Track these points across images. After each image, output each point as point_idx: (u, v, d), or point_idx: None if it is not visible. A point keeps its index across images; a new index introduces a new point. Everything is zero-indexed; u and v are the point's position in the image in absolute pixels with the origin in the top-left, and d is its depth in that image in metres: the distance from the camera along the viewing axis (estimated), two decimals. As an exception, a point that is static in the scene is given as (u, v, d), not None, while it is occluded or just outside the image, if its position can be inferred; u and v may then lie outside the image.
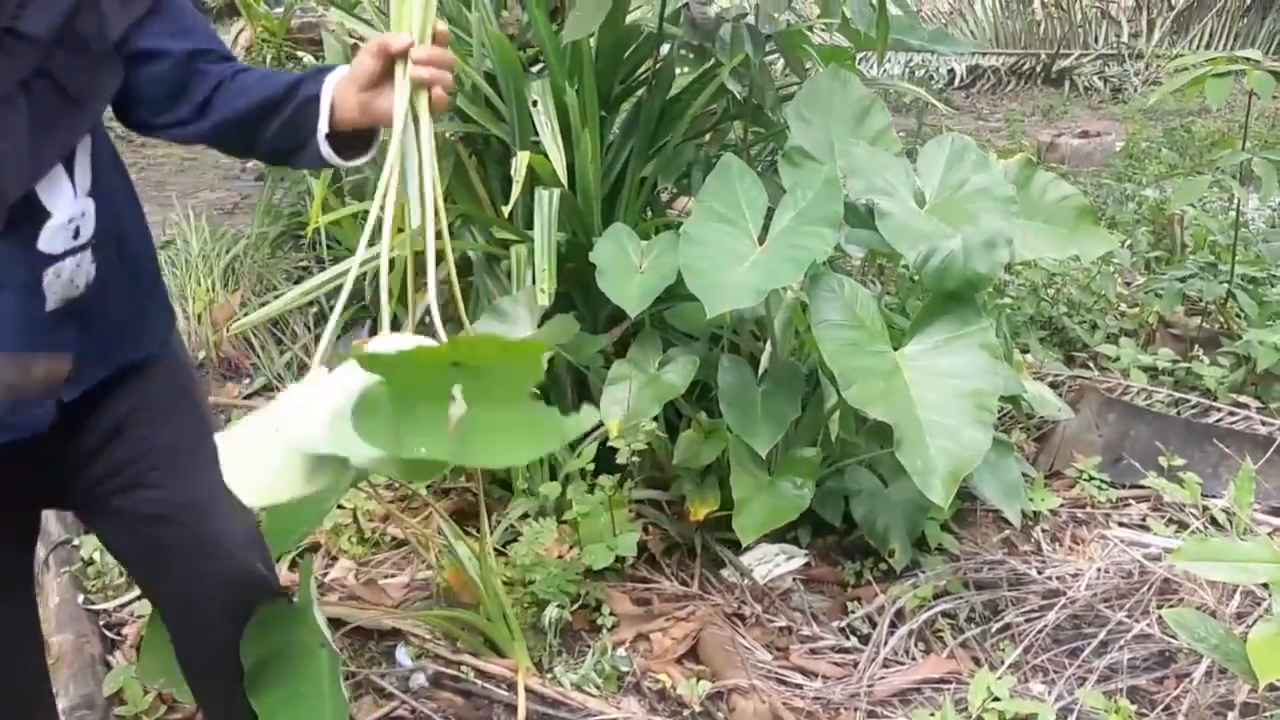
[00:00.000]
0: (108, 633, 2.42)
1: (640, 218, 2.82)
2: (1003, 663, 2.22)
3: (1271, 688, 1.99)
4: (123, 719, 2.14)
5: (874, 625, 2.40)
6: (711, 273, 2.22)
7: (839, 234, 2.28)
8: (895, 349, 2.28)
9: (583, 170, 2.58)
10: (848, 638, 2.39)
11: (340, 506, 2.64)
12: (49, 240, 1.31)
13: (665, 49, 2.75)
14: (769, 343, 2.59)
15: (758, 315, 2.65)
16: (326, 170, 2.78)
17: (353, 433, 1.08)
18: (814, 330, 2.26)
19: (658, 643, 2.33)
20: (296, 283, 3.64)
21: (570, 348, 2.52)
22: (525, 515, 2.59)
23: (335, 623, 2.29)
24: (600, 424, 2.48)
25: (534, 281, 2.43)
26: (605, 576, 2.48)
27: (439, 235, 1.27)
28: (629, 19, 2.81)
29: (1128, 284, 4.28)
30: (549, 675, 2.21)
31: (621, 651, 2.27)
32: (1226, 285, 3.65)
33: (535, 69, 2.84)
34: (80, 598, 2.50)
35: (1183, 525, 2.67)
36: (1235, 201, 3.95)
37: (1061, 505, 2.78)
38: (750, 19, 2.59)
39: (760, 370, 2.56)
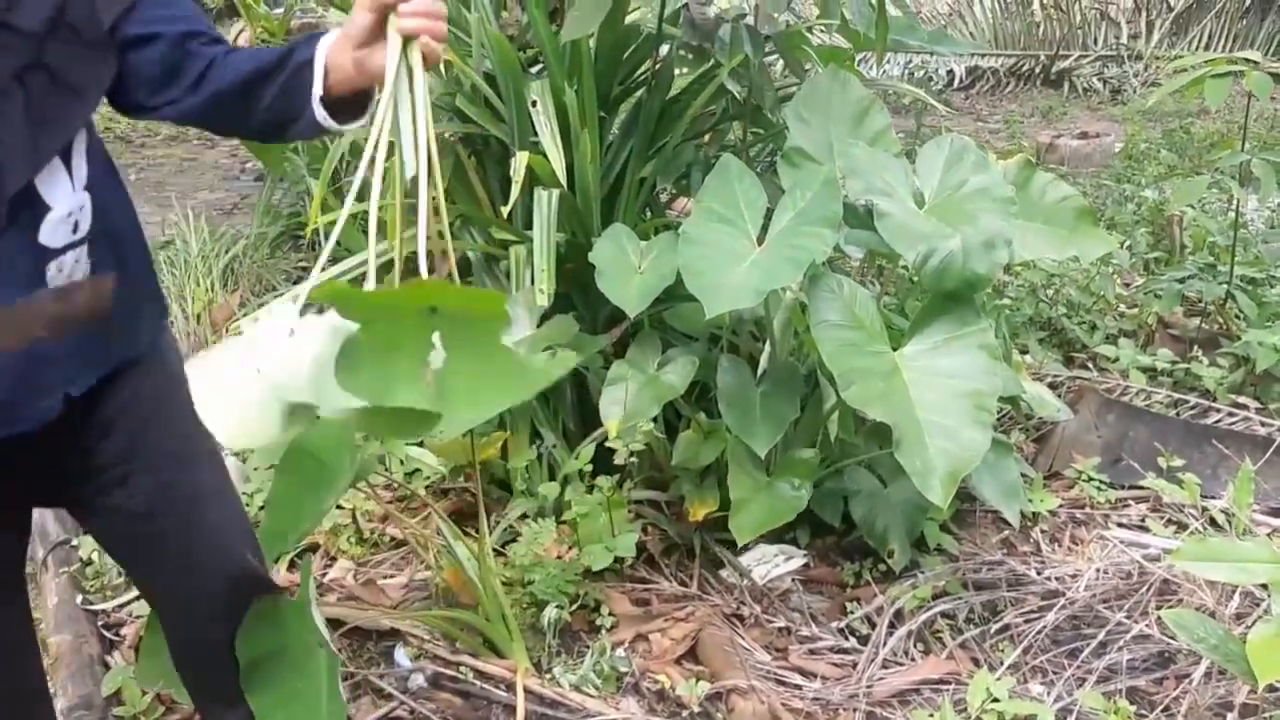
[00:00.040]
0: (106, 633, 2.42)
1: (639, 218, 2.82)
2: (1002, 663, 2.22)
3: (1271, 688, 1.98)
4: (121, 719, 2.14)
5: (873, 626, 2.39)
6: (710, 273, 2.22)
7: (838, 234, 2.28)
8: (894, 349, 2.28)
9: (582, 171, 2.58)
10: (847, 638, 2.39)
11: (339, 507, 2.64)
12: (50, 234, 1.32)
13: (664, 49, 2.75)
14: (768, 343, 2.59)
15: (757, 316, 2.65)
16: (326, 170, 2.78)
17: (334, 382, 1.09)
18: (813, 331, 2.26)
19: (656, 643, 2.33)
20: (295, 283, 3.64)
21: (569, 348, 2.52)
22: (524, 516, 2.59)
23: (334, 623, 2.29)
24: (600, 424, 2.49)
25: (533, 282, 2.43)
26: (604, 577, 2.48)
27: (435, 206, 1.26)
28: (628, 19, 2.81)
29: (1127, 285, 4.28)
30: (548, 676, 2.21)
31: (620, 652, 2.27)
32: (1225, 286, 3.65)
33: (534, 69, 2.84)
34: (79, 598, 2.50)
35: (1182, 526, 2.67)
36: (1234, 202, 3.95)
37: (1061, 506, 2.78)
38: (749, 20, 2.59)
39: (759, 371, 2.56)
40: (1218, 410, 3.20)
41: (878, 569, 2.55)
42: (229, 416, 1.19)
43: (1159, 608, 2.21)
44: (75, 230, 1.34)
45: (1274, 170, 3.37)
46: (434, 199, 1.28)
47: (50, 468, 1.47)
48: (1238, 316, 3.65)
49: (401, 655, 2.28)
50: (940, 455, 2.10)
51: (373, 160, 1.24)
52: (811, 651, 2.35)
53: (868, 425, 2.63)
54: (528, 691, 2.13)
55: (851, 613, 2.45)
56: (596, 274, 2.39)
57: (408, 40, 1.27)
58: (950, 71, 9.63)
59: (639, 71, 2.89)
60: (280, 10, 5.08)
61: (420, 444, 2.66)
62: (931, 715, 2.03)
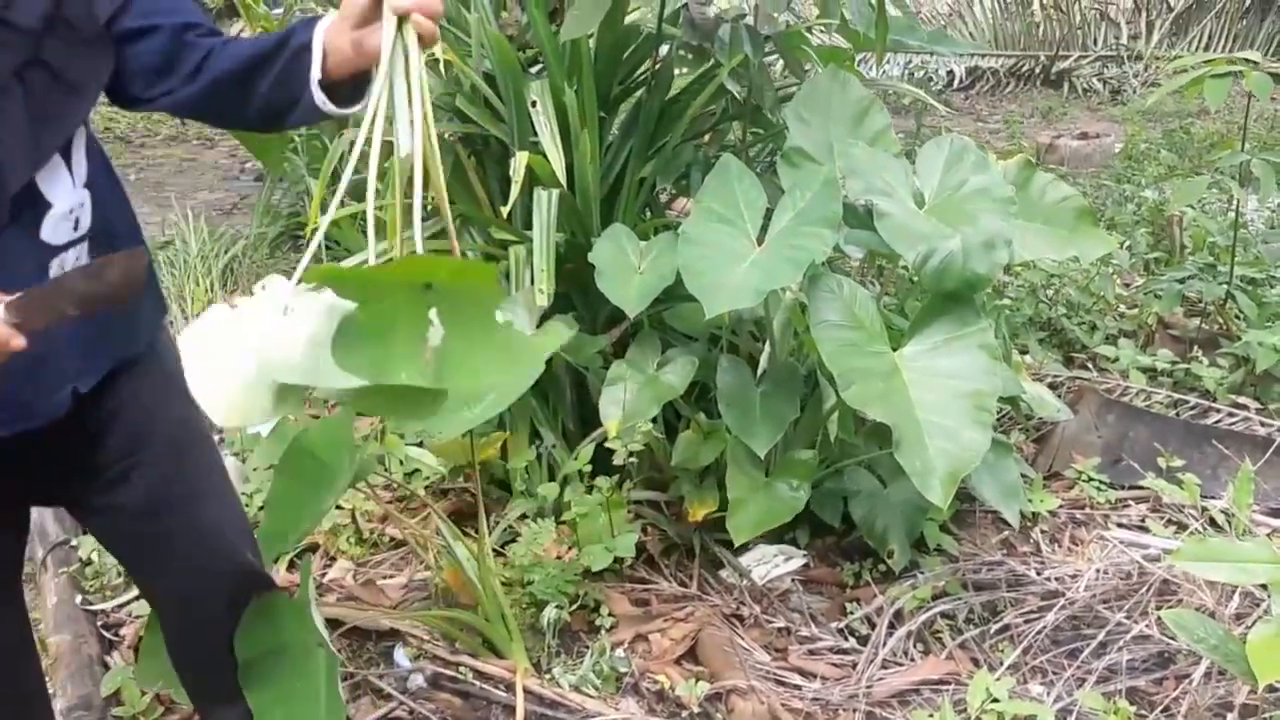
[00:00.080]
0: (105, 633, 2.42)
1: (639, 218, 2.82)
2: (1001, 664, 2.22)
3: (1270, 689, 1.98)
4: (120, 719, 2.14)
5: (873, 626, 2.39)
6: (710, 273, 2.22)
7: (838, 235, 2.28)
8: (894, 350, 2.28)
9: (581, 171, 2.58)
10: (846, 639, 2.39)
11: (339, 507, 2.64)
12: (51, 231, 1.32)
13: (664, 49, 2.75)
14: (768, 343, 2.59)
15: (756, 316, 2.65)
16: (326, 170, 2.78)
17: (331, 362, 1.09)
18: (813, 331, 2.26)
19: (656, 643, 2.33)
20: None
21: (569, 348, 2.52)
22: (524, 516, 2.59)
23: (333, 623, 2.29)
24: (599, 424, 2.49)
25: (532, 282, 2.43)
26: (604, 577, 2.48)
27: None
28: (628, 19, 2.81)
29: (1127, 285, 4.28)
30: (547, 676, 2.21)
31: (620, 652, 2.27)
32: (1225, 286, 3.65)
33: (534, 70, 2.84)
34: (78, 598, 2.50)
35: (1182, 526, 2.66)
36: (1234, 203, 3.95)
37: (1060, 506, 2.78)
38: (749, 20, 2.59)
39: (759, 371, 2.56)
40: (1218, 410, 3.20)
41: (877, 569, 2.55)
42: (221, 397, 1.18)
43: (1159, 608, 2.21)
44: (76, 227, 1.35)
45: (1274, 170, 3.37)
46: (436, 197, 1.28)
47: (56, 465, 1.48)
48: (1238, 317, 3.65)
49: (401, 655, 2.28)
50: (940, 456, 2.10)
51: (368, 140, 1.24)
52: (811, 652, 2.35)
53: (868, 425, 2.63)
54: (527, 692, 2.13)
55: (851, 613, 2.45)
56: (596, 274, 2.39)
57: (403, 19, 1.27)
58: (950, 72, 9.63)
59: (639, 71, 2.88)
60: (280, 10, 5.07)
61: (420, 444, 2.66)
62: (931, 716, 2.03)
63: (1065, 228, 2.56)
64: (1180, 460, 2.78)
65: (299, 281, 1.16)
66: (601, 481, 2.47)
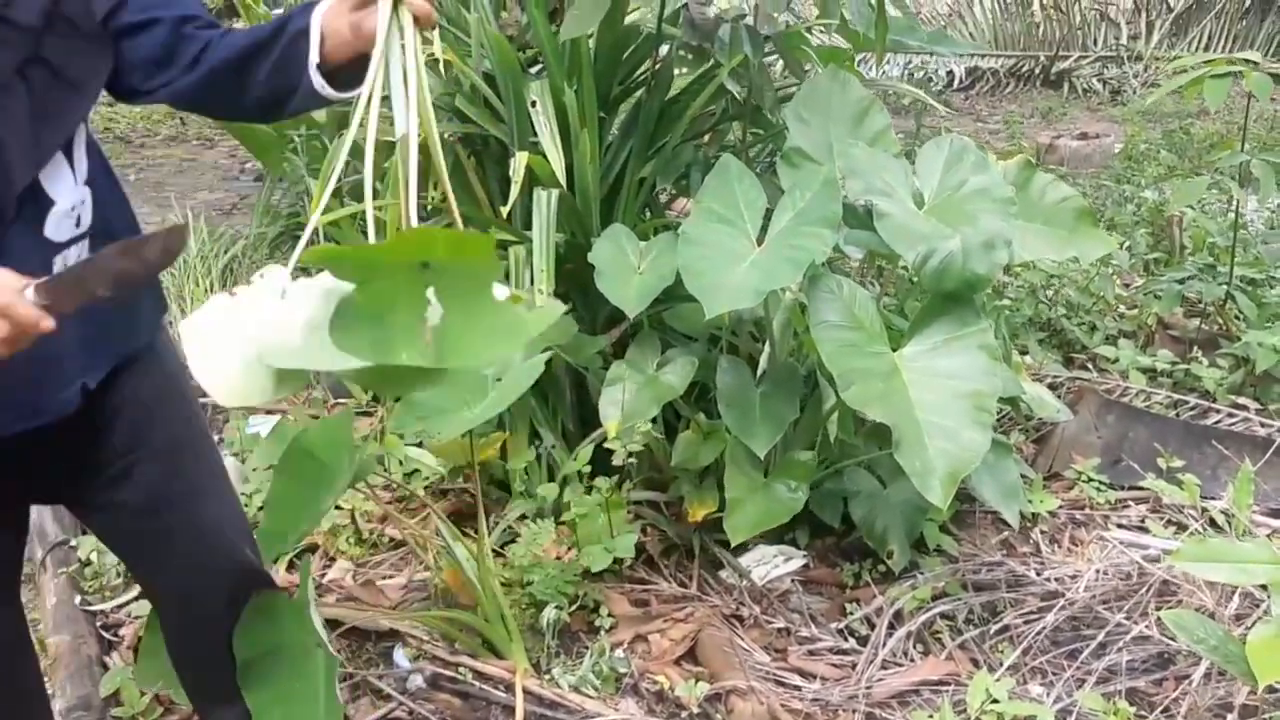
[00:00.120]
0: (105, 633, 2.42)
1: (639, 218, 2.82)
2: (1001, 664, 2.22)
3: (1270, 689, 1.98)
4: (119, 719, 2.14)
5: (872, 627, 2.39)
6: (710, 273, 2.22)
7: (838, 235, 2.28)
8: (894, 350, 2.28)
9: (581, 171, 2.58)
10: (846, 639, 2.39)
11: (338, 507, 2.64)
12: (55, 228, 1.32)
13: (664, 50, 2.75)
14: (768, 344, 2.59)
15: (756, 316, 2.65)
16: (325, 170, 2.78)
17: (329, 344, 1.10)
18: (813, 331, 2.26)
19: (656, 644, 2.33)
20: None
21: (569, 349, 2.52)
22: (523, 516, 2.59)
23: (333, 623, 2.29)
24: (599, 425, 2.48)
25: (532, 282, 2.43)
26: (603, 578, 2.48)
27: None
28: (628, 19, 2.81)
29: (1126, 286, 4.28)
30: (547, 676, 2.21)
31: (619, 653, 2.27)
32: (1225, 287, 3.65)
33: (534, 70, 2.84)
34: (77, 599, 2.50)
35: (1181, 527, 2.66)
36: (1234, 203, 3.95)
37: (1060, 507, 2.78)
38: (749, 20, 2.59)
39: (759, 371, 2.56)
40: (1217, 411, 3.20)
41: (877, 570, 2.54)
42: (221, 378, 1.19)
43: (1159, 609, 2.21)
44: (78, 225, 1.35)
45: (1273, 171, 3.37)
46: (436, 174, 1.29)
47: (60, 463, 1.48)
48: (1237, 317, 3.65)
49: (400, 656, 2.27)
50: (940, 456, 2.10)
51: (364, 122, 1.24)
52: (811, 652, 2.35)
53: (867, 426, 2.63)
54: (527, 692, 2.13)
55: (851, 613, 2.45)
56: (596, 274, 2.39)
57: (398, 0, 1.27)
58: (950, 72, 9.64)
59: (639, 71, 2.88)
60: (280, 10, 5.08)
61: (419, 444, 2.66)
62: (931, 716, 2.03)
63: (1065, 228, 2.55)
64: (1180, 461, 2.78)
65: (296, 265, 1.17)
66: (601, 482, 2.47)
